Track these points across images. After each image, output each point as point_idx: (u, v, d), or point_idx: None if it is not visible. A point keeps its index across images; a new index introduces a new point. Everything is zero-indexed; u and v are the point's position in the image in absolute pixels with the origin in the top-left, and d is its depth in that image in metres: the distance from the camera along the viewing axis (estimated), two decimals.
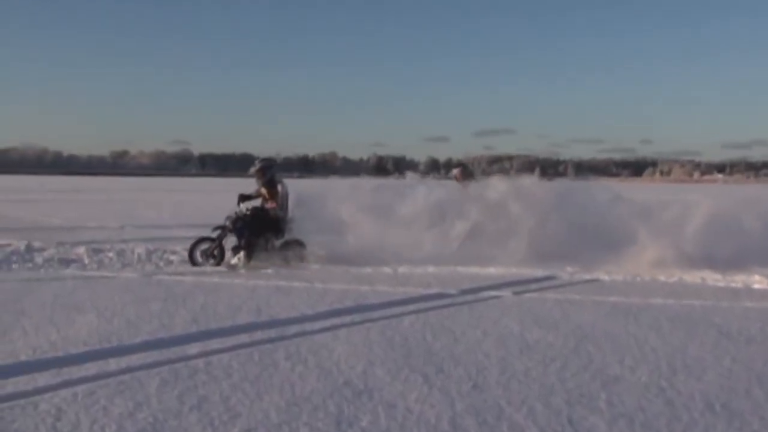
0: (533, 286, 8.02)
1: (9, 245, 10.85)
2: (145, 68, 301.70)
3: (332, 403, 3.87)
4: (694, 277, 8.63)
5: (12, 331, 5.38)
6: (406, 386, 4.20)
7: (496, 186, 10.97)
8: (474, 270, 9.06)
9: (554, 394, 4.10)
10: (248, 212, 9.68)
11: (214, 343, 5.10)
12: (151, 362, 4.61)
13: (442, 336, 5.48)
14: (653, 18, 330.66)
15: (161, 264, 9.67)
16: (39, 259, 9.72)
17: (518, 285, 7.99)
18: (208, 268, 9.21)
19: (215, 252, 9.55)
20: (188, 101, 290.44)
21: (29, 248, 10.58)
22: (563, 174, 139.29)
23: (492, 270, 9.06)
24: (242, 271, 8.96)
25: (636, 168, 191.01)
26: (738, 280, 8.45)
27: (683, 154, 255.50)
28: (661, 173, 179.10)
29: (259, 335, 5.39)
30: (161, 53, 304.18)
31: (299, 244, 9.84)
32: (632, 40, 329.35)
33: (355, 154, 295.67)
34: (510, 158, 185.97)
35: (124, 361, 4.61)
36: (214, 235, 9.66)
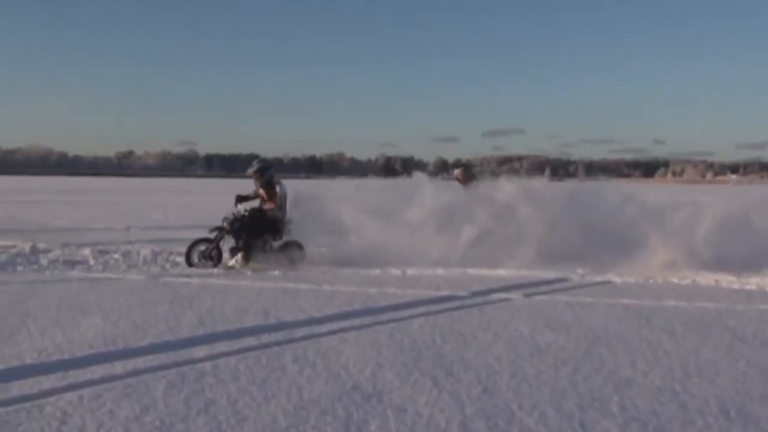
0: (544, 288, 7.95)
1: (14, 247, 10.87)
2: (150, 68, 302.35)
3: (341, 407, 3.83)
4: (707, 279, 8.56)
5: (17, 334, 5.35)
6: (415, 390, 4.15)
7: (504, 188, 10.87)
8: (484, 272, 9.00)
9: (566, 397, 4.05)
10: (246, 213, 9.57)
11: (221, 346, 5.06)
12: (158, 365, 4.57)
13: (452, 339, 5.42)
14: (665, 17, 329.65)
15: (167, 266, 9.64)
16: (44, 261, 9.71)
17: (529, 287, 7.93)
18: (215, 270, 9.17)
19: (212, 254, 9.48)
20: (194, 101, 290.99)
21: (34, 250, 10.57)
22: (574, 174, 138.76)
23: (502, 272, 9.00)
24: (249, 273, 8.91)
25: (648, 168, 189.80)
26: (752, 282, 8.37)
27: (696, 155, 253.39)
28: (674, 174, 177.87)
29: (266, 338, 5.35)
30: (167, 53, 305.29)
31: (298, 245, 9.77)
32: (644, 39, 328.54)
33: (363, 154, 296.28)
34: (520, 159, 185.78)
35: (131, 364, 4.57)
36: (212, 236, 9.58)
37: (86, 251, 10.54)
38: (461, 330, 5.73)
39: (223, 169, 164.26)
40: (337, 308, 6.55)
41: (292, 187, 10.26)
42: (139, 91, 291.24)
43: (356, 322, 5.97)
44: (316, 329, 5.66)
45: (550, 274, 8.80)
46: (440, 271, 9.06)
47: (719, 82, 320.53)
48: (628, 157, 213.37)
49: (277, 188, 9.77)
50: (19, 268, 9.15)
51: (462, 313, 6.48)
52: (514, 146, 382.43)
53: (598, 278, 8.66)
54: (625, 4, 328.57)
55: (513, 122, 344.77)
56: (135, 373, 4.39)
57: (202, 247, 9.54)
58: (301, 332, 5.54)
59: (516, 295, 7.40)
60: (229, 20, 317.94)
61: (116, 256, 10.26)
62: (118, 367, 4.52)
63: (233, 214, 9.60)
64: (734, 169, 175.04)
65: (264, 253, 9.56)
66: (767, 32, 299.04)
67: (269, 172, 9.92)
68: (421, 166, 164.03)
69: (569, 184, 13.82)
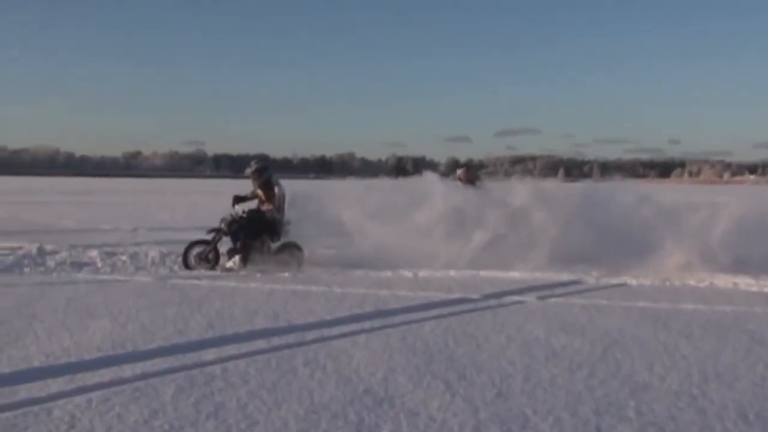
0: (558, 290, 7.85)
1: (21, 248, 10.86)
2: (158, 68, 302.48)
3: (352, 411, 3.77)
4: (725, 281, 8.43)
5: (24, 337, 5.32)
6: (428, 394, 4.09)
7: (516, 189, 10.74)
8: (496, 274, 8.91)
9: (581, 402, 3.99)
10: (244, 214, 9.47)
11: (231, 349, 5.01)
12: (167, 368, 4.53)
13: (465, 342, 5.35)
14: (681, 15, 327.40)
15: (175, 267, 9.57)
16: (51, 263, 9.69)
17: (542, 290, 7.83)
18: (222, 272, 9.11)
19: (210, 255, 9.40)
20: (202, 101, 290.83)
21: (41, 251, 10.56)
22: (588, 175, 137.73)
23: (515, 274, 8.90)
24: (258, 275, 8.83)
25: (663, 168, 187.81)
26: None
27: (713, 155, 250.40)
28: (690, 174, 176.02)
29: (276, 341, 5.29)
30: (175, 53, 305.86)
31: (296, 247, 9.67)
32: (657, 38, 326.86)
33: (374, 154, 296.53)
34: (533, 159, 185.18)
35: (139, 368, 4.53)
36: (209, 237, 9.50)
37: (94, 253, 10.52)
38: (474, 333, 5.65)
39: (232, 170, 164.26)
40: (348, 311, 6.49)
41: (299, 187, 10.20)
42: (147, 91, 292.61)
43: (367, 324, 5.91)
44: (326, 332, 5.60)
45: (564, 277, 8.70)
46: (452, 273, 8.98)
47: (736, 81, 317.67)
48: (644, 157, 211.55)
49: (276, 189, 9.65)
50: (26, 269, 9.13)
51: (474, 315, 6.40)
52: (527, 146, 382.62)
53: (614, 280, 8.55)
54: (633, 3, 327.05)
55: (526, 122, 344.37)
56: (144, 376, 4.35)
57: (199, 249, 9.44)
58: (312, 335, 5.49)
59: (529, 298, 7.31)
60: (239, 19, 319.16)
61: (124, 257, 10.23)
62: (127, 370, 4.48)
63: (231, 215, 9.50)
64: (752, 169, 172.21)
65: (262, 255, 9.45)
66: None
67: (267, 172, 9.78)
68: (432, 166, 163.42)
69: (583, 185, 13.65)
